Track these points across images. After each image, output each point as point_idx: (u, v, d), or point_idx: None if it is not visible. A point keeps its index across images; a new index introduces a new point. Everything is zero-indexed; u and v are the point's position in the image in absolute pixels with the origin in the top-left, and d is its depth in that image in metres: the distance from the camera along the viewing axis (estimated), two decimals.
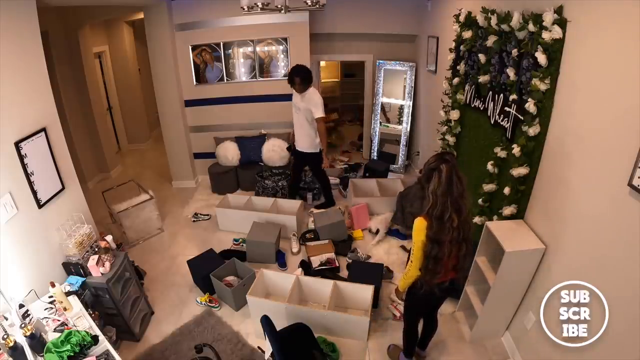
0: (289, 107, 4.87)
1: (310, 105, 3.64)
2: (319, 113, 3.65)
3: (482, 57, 2.73)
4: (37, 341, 1.83)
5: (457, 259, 1.88)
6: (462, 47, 3.09)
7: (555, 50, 1.93)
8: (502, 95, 2.55)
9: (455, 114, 3.31)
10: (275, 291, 2.95)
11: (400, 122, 5.18)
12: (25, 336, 1.80)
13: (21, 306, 2.04)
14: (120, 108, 6.32)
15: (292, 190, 4.34)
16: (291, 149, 4.14)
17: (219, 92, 4.83)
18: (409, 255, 1.99)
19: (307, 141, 3.86)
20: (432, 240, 1.78)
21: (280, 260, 3.49)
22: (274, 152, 4.77)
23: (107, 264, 2.46)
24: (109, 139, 5.72)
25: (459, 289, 2.69)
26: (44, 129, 2.41)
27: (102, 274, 2.43)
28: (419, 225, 1.80)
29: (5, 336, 1.78)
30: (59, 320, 2.06)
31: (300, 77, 3.56)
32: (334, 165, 5.56)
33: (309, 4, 2.46)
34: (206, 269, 3.08)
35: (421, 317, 2.31)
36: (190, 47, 4.58)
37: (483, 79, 2.74)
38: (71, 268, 2.44)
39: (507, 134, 2.46)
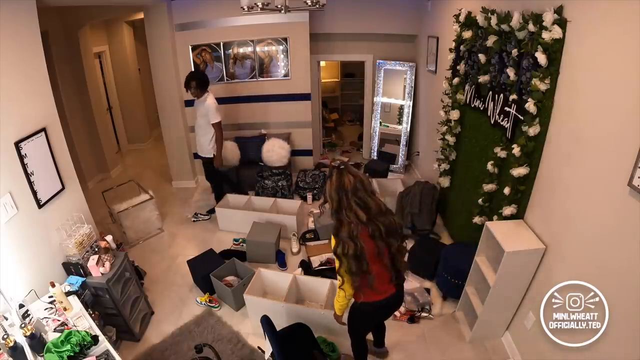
0: (288, 107, 4.92)
1: (207, 110, 3.72)
2: (215, 118, 3.75)
3: (482, 57, 2.73)
4: (37, 341, 1.83)
5: (391, 260, 1.82)
6: (462, 47, 3.09)
7: (555, 50, 1.93)
8: (502, 95, 2.55)
9: (455, 114, 3.31)
10: (273, 290, 2.95)
11: (400, 122, 5.18)
12: (25, 336, 1.80)
13: (21, 306, 2.04)
14: (120, 108, 6.32)
15: (234, 188, 4.39)
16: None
17: (219, 92, 4.83)
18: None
19: (205, 147, 3.93)
20: (341, 238, 1.74)
21: (280, 260, 3.49)
22: (273, 152, 4.77)
23: (107, 264, 2.46)
24: (109, 139, 5.71)
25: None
26: (44, 129, 2.41)
27: (102, 274, 2.43)
28: (333, 234, 1.80)
29: (5, 336, 1.78)
30: (59, 320, 2.06)
31: (196, 81, 3.66)
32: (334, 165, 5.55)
33: (309, 4, 2.46)
34: (206, 269, 3.08)
35: (368, 332, 2.24)
36: (190, 47, 4.58)
37: (483, 79, 2.74)
38: (71, 268, 2.44)
39: (507, 134, 2.46)
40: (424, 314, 2.83)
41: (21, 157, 2.18)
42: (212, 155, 3.96)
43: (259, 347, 2.60)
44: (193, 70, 3.78)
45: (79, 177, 2.88)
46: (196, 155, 4.12)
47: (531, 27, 2.04)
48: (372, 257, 1.77)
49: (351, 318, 2.07)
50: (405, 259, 1.93)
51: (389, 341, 2.52)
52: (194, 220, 4.28)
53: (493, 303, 2.38)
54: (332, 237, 1.79)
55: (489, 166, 2.61)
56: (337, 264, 1.81)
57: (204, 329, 2.79)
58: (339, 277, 1.85)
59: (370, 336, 2.44)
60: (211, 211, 4.31)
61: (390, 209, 1.84)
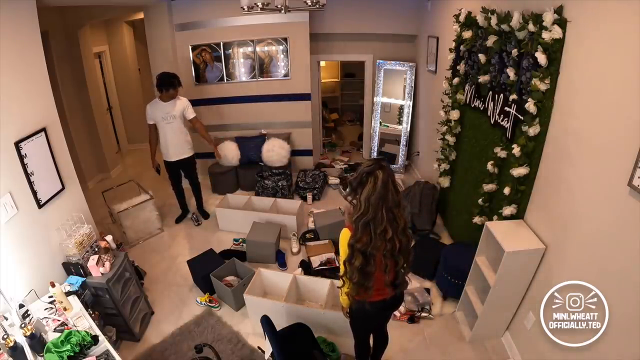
0: (288, 107, 4.92)
1: (184, 108, 3.73)
2: (194, 112, 3.81)
3: (482, 57, 2.73)
4: (37, 341, 1.83)
5: (394, 274, 1.75)
6: (462, 47, 3.09)
7: (555, 50, 1.93)
8: (502, 95, 2.55)
9: (455, 114, 3.31)
10: (273, 290, 2.95)
11: (400, 122, 5.18)
12: (25, 336, 1.80)
13: (21, 306, 2.04)
14: (120, 108, 6.32)
15: (182, 204, 4.28)
16: (160, 168, 4.04)
17: (219, 92, 4.83)
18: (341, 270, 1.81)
19: (187, 146, 3.89)
20: (357, 251, 1.65)
21: (280, 260, 3.49)
22: (273, 152, 4.77)
23: (107, 264, 2.46)
24: (109, 139, 5.71)
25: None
26: (44, 129, 2.41)
27: (102, 274, 2.43)
28: (346, 237, 1.69)
29: (5, 336, 1.78)
30: (59, 320, 2.06)
31: (178, 80, 3.65)
32: (334, 165, 5.57)
33: (309, 4, 2.46)
34: (206, 269, 3.08)
35: (370, 333, 2.19)
36: (190, 47, 4.59)
37: (483, 79, 2.74)
38: (71, 268, 2.44)
39: (507, 134, 2.46)
40: (424, 314, 2.83)
41: (21, 157, 2.18)
42: (193, 153, 3.96)
43: (259, 347, 2.60)
44: (166, 71, 3.73)
45: (79, 177, 2.88)
46: (171, 164, 3.91)
47: (531, 27, 2.04)
48: (379, 272, 1.74)
49: (350, 316, 2.07)
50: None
51: (390, 341, 2.52)
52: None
53: (493, 303, 2.38)
54: (343, 242, 1.70)
55: (489, 166, 2.61)
56: (341, 268, 1.76)
57: (204, 329, 2.79)
58: (340, 280, 1.82)
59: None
60: (205, 216, 4.31)
61: (407, 224, 1.75)
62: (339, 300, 2.00)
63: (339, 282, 1.87)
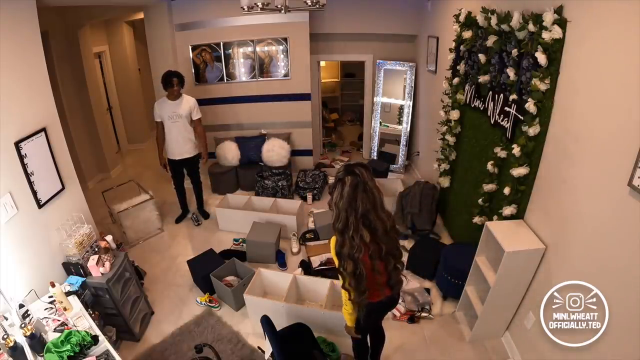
0: (288, 107, 4.92)
1: (191, 108, 3.74)
2: (200, 114, 3.82)
3: (482, 57, 2.73)
4: (37, 341, 1.83)
5: (387, 275, 1.78)
6: (462, 47, 3.09)
7: (555, 50, 1.93)
8: (502, 95, 2.55)
9: (455, 114, 3.31)
10: (273, 290, 2.95)
11: (400, 122, 5.18)
12: (25, 336, 1.80)
13: (21, 306, 2.04)
14: (120, 108, 6.32)
15: (183, 204, 4.28)
16: (167, 165, 4.00)
17: (219, 92, 4.83)
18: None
19: (191, 145, 3.90)
20: (342, 256, 1.68)
21: (280, 260, 3.49)
22: (273, 152, 4.78)
23: (107, 264, 2.46)
24: (109, 139, 5.71)
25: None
26: (44, 129, 2.41)
27: (102, 274, 2.43)
28: (334, 244, 1.71)
29: (5, 336, 1.78)
30: (59, 320, 2.06)
31: (181, 78, 3.63)
32: (334, 165, 5.57)
33: (309, 4, 2.46)
34: (206, 269, 3.08)
35: (367, 333, 2.20)
36: (190, 47, 4.59)
37: (483, 79, 2.74)
38: (71, 268, 2.44)
39: (507, 134, 2.46)
40: (424, 314, 2.83)
41: (21, 157, 2.18)
42: (197, 152, 3.96)
43: (259, 347, 2.60)
44: (171, 69, 3.72)
45: (79, 177, 2.88)
46: (175, 162, 3.92)
47: (531, 27, 2.04)
48: (368, 272, 1.73)
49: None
50: (403, 266, 1.87)
51: (390, 341, 2.52)
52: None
53: (493, 303, 2.38)
54: (333, 252, 1.71)
55: (489, 166, 2.61)
56: (340, 280, 1.77)
57: (204, 329, 2.79)
58: (344, 292, 1.79)
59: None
60: (205, 216, 4.32)
61: (394, 227, 1.75)
62: (343, 315, 1.94)
63: (343, 297, 1.82)
